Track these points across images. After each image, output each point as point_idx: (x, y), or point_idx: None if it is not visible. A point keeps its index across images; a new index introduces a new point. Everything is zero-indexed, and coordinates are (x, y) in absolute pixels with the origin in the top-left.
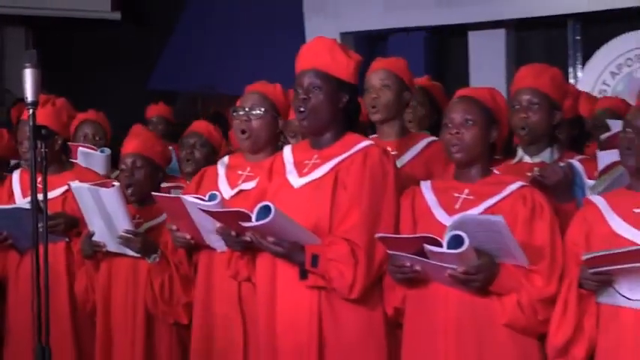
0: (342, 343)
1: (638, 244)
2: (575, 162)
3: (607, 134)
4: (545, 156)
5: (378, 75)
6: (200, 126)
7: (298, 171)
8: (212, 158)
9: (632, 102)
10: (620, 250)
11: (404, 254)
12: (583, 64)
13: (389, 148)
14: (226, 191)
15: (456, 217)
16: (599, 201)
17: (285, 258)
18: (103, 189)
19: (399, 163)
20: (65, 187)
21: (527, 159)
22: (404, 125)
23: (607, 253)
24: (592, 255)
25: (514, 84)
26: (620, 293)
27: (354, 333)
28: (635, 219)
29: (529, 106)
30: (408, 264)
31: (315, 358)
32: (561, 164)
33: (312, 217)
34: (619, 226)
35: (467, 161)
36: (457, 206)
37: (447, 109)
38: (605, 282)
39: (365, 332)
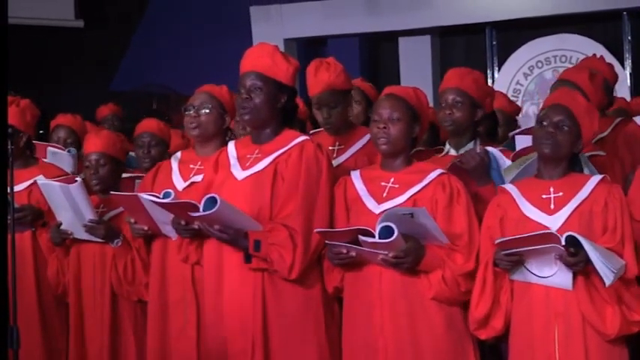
0: (284, 319)
1: (545, 226)
2: (492, 148)
3: (517, 131)
4: (468, 148)
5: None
6: (151, 125)
7: (241, 164)
8: (165, 152)
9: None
10: (525, 235)
11: (340, 243)
12: (499, 67)
13: (336, 143)
14: (180, 184)
15: (385, 205)
16: (511, 188)
17: (230, 244)
18: (72, 185)
19: (344, 156)
20: (30, 181)
21: (453, 152)
22: (348, 121)
23: (515, 237)
24: (503, 239)
25: (442, 84)
26: (530, 271)
27: (294, 310)
28: (543, 204)
29: (454, 104)
30: (345, 251)
31: (260, 333)
32: (478, 150)
33: (255, 206)
34: (529, 210)
35: (392, 153)
36: (384, 194)
37: (376, 105)
38: (516, 262)
39: (304, 309)
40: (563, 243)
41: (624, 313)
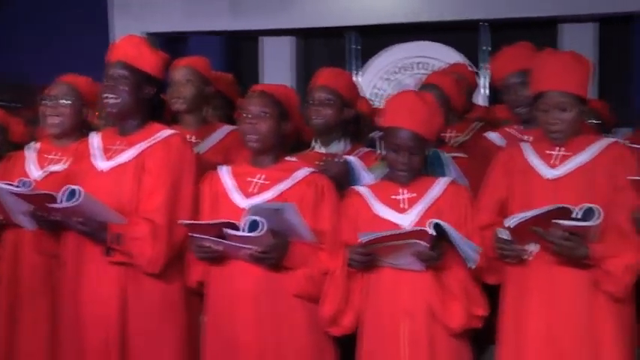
0: (143, 314)
1: (396, 224)
2: (351, 157)
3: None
4: (335, 147)
5: (181, 71)
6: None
7: (105, 156)
8: (5, 140)
9: None
10: (397, 232)
11: (206, 237)
12: (360, 71)
13: (192, 137)
14: (35, 172)
15: (253, 200)
16: (362, 190)
17: (90, 236)
18: None
19: (201, 150)
20: None
21: (320, 149)
22: (204, 116)
23: (385, 234)
24: (370, 237)
25: (312, 83)
26: (386, 261)
27: (155, 304)
28: (394, 203)
29: (324, 102)
30: (210, 245)
31: (118, 328)
32: (337, 159)
33: (117, 199)
34: (380, 210)
35: (262, 149)
36: (252, 190)
37: (245, 101)
38: (370, 262)
39: (165, 303)
40: (432, 231)
41: (469, 307)
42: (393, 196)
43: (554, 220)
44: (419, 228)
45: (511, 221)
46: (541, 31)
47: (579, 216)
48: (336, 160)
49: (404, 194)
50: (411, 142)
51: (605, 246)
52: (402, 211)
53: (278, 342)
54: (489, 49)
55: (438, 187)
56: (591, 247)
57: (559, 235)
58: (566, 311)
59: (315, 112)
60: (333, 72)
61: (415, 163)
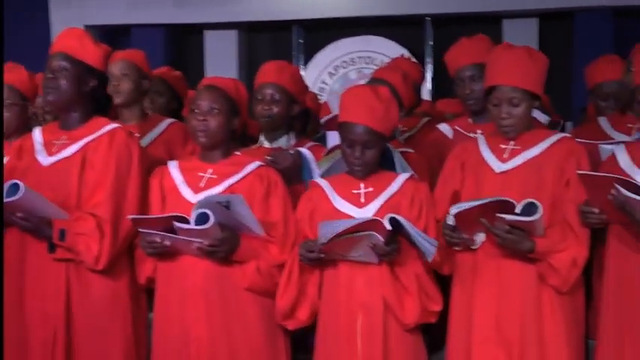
0: (89, 311)
1: (354, 218)
2: (304, 149)
3: (327, 117)
4: (282, 142)
5: (117, 65)
6: None
7: (47, 150)
8: None
9: None
10: (353, 223)
11: (154, 231)
12: (305, 65)
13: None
14: None
15: (202, 195)
16: (323, 183)
17: (33, 232)
18: None
19: (142, 144)
20: None
21: (266, 144)
22: (143, 110)
23: (340, 226)
24: (325, 237)
25: (258, 78)
26: (340, 254)
27: (100, 302)
28: (353, 198)
29: (271, 99)
30: (159, 240)
31: (63, 325)
32: (291, 151)
33: (61, 194)
34: (339, 203)
35: (212, 145)
36: (202, 184)
37: (195, 96)
38: (321, 260)
39: (111, 301)
40: (388, 225)
41: (424, 303)
42: (354, 191)
43: (497, 214)
44: (373, 218)
45: (454, 210)
46: (485, 27)
47: (519, 210)
48: (289, 152)
49: (363, 189)
50: (366, 136)
51: (551, 240)
52: (360, 205)
53: (229, 337)
54: (430, 43)
55: (397, 182)
56: (537, 241)
57: (502, 229)
58: (514, 304)
59: (262, 109)
60: (279, 67)
61: (369, 158)
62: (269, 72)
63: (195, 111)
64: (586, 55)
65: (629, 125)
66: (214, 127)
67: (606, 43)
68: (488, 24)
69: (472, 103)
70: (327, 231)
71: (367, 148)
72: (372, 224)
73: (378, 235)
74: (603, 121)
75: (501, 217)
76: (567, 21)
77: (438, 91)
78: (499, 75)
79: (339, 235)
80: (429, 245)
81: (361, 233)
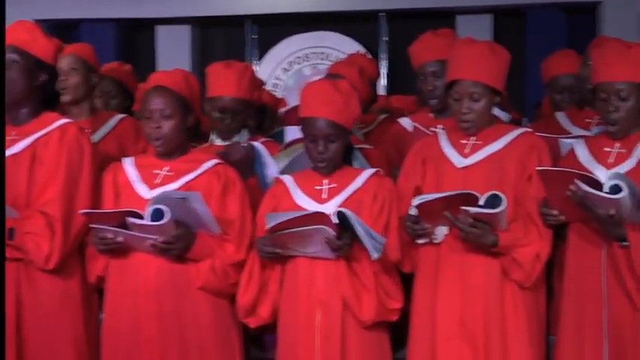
0: (39, 312)
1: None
2: (257, 143)
3: (285, 109)
4: (235, 140)
5: (65, 60)
6: None
7: None
8: None
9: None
10: (296, 215)
11: (106, 227)
12: (259, 61)
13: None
14: None
15: (158, 191)
16: (287, 179)
17: None
18: None
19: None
20: None
21: (218, 142)
22: (93, 105)
23: (286, 219)
24: (274, 223)
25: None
26: (296, 250)
27: (51, 302)
28: (315, 194)
29: (228, 102)
30: (111, 235)
31: (12, 326)
32: (243, 144)
33: (10, 192)
34: (301, 199)
35: (170, 151)
36: (157, 181)
37: (145, 98)
38: (277, 253)
39: (61, 301)
40: (335, 220)
41: (382, 300)
42: (317, 187)
43: (461, 207)
44: (318, 211)
45: (416, 200)
46: (439, 22)
47: (483, 203)
48: (241, 145)
49: (326, 185)
50: (328, 130)
51: (514, 235)
52: (322, 201)
53: (182, 337)
54: (385, 39)
55: (361, 178)
56: (501, 235)
57: (466, 222)
58: (478, 299)
59: (215, 107)
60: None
61: (333, 153)
62: (219, 86)
63: (147, 117)
64: (539, 52)
65: (588, 120)
66: (169, 132)
67: (559, 39)
68: (442, 20)
69: (434, 101)
70: (271, 221)
71: (330, 142)
72: (318, 217)
73: (329, 229)
74: (561, 117)
75: (465, 210)
76: (521, 17)
77: (392, 87)
78: (460, 69)
79: (286, 228)
80: (375, 243)
81: (311, 227)
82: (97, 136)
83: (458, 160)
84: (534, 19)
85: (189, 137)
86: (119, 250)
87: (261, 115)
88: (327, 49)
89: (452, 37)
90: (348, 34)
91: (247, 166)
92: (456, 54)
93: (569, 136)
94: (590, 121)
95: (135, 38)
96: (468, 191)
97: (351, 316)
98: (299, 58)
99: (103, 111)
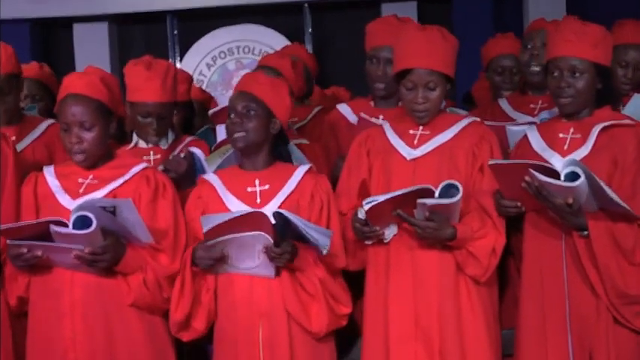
0: None
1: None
2: (195, 149)
3: (215, 109)
4: (161, 144)
5: None
6: None
7: None
8: None
9: (227, 91)
10: (235, 215)
11: (22, 242)
12: (181, 56)
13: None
14: None
15: (83, 199)
16: (214, 180)
17: None
18: None
19: (19, 147)
20: None
21: (142, 144)
22: (20, 111)
23: (223, 221)
24: (210, 226)
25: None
26: (232, 264)
27: None
28: (248, 197)
29: (152, 107)
30: (25, 250)
31: None
32: (182, 155)
33: None
34: (231, 203)
35: (93, 163)
36: (81, 190)
37: (60, 109)
38: (218, 260)
39: None
40: (272, 221)
41: (332, 307)
42: (249, 189)
43: (418, 200)
44: (257, 210)
45: (366, 205)
46: (363, 12)
47: (438, 194)
48: (181, 155)
49: (258, 186)
50: (253, 104)
51: (470, 227)
52: (257, 206)
53: (112, 358)
54: (309, 30)
55: (295, 178)
56: (458, 227)
57: (421, 217)
58: (431, 295)
59: (142, 107)
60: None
61: (254, 129)
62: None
63: (65, 129)
64: (465, 38)
65: (532, 106)
66: (91, 144)
67: (485, 24)
68: (367, 9)
69: (380, 84)
70: (207, 223)
71: (247, 119)
72: (256, 218)
73: (266, 235)
74: (503, 103)
75: (422, 203)
76: (446, 3)
77: (316, 79)
78: (414, 57)
79: (223, 232)
80: (322, 237)
81: (249, 234)
82: (24, 143)
83: (407, 152)
84: (460, 6)
85: (112, 140)
86: (40, 267)
87: (190, 111)
88: (251, 43)
89: (393, 25)
90: (272, 27)
91: (190, 175)
92: (408, 41)
93: (515, 123)
94: (534, 106)
95: (51, 38)
96: (424, 186)
97: (297, 327)
98: (223, 52)
99: (31, 116)
